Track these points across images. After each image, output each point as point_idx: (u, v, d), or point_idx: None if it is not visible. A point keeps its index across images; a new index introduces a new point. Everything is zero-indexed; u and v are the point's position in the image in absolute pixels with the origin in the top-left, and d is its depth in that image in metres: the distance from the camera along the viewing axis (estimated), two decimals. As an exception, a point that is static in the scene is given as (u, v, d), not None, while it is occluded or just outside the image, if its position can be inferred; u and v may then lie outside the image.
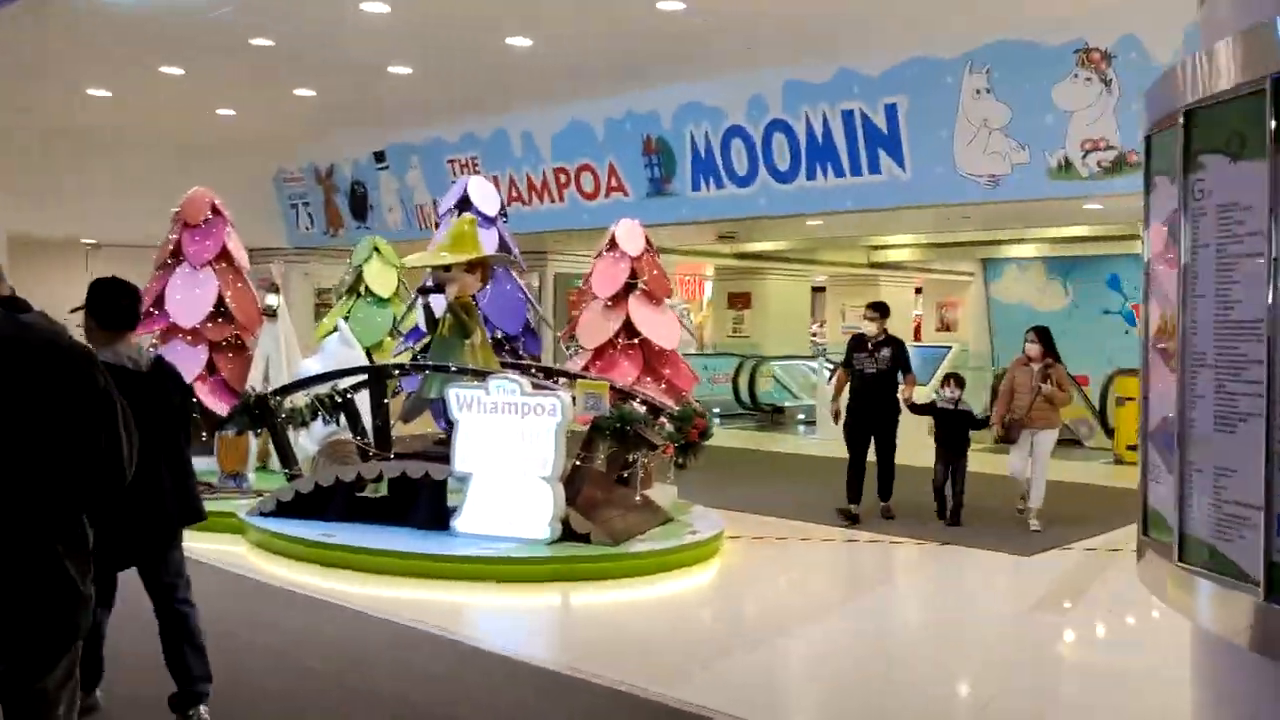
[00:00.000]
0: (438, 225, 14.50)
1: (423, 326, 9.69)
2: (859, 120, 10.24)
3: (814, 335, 24.91)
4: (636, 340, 9.05)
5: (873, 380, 8.94)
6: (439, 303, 8.59)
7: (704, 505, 9.03)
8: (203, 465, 9.07)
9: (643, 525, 8.02)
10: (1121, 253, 20.74)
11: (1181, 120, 2.46)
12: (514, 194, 13.60)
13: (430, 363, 8.25)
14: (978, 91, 9.46)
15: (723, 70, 11.00)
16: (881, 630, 6.68)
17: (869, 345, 8.97)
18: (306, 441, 9.49)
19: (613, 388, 8.21)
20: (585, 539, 7.52)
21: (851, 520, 8.90)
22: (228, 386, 10.76)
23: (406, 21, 9.22)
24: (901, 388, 8.97)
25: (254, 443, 9.49)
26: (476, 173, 13.82)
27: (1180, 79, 2.49)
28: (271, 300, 10.69)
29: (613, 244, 9.21)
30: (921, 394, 9.94)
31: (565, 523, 7.52)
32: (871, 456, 9.07)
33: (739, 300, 22.04)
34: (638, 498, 8.33)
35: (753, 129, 11.06)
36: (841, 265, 22.46)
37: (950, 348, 16.56)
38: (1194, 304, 2.47)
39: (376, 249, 11.34)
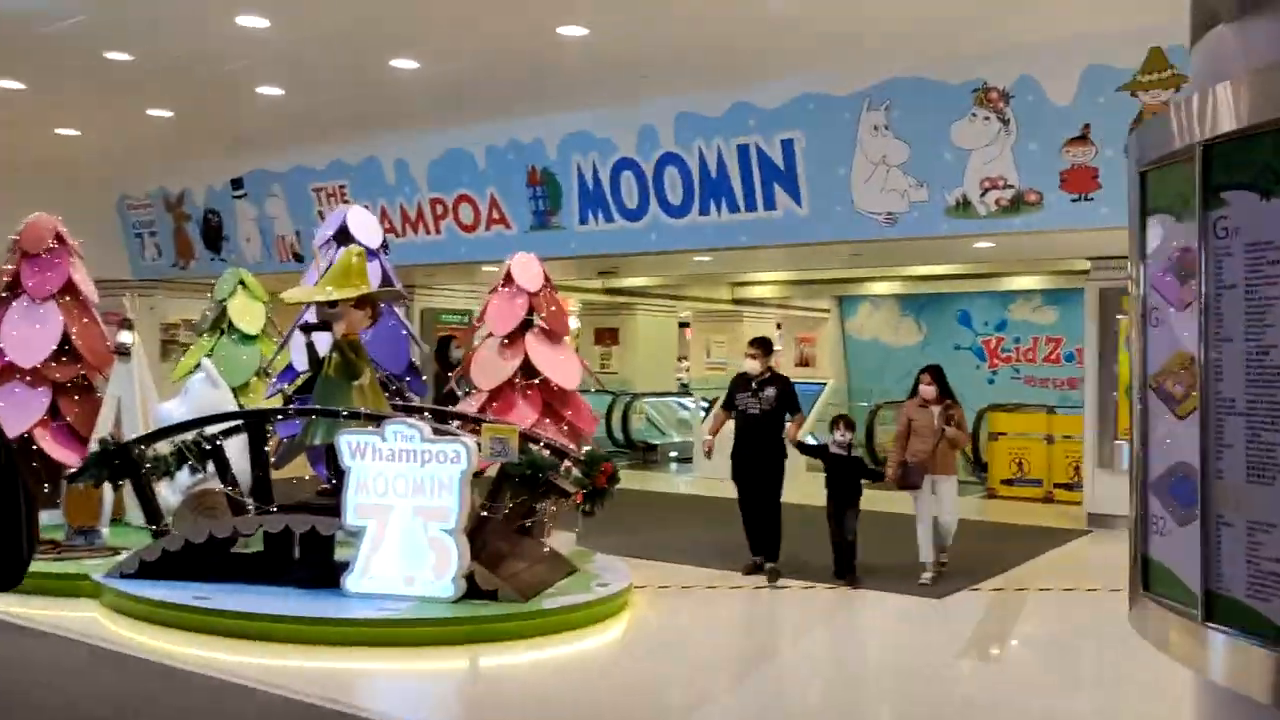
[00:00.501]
0: (300, 258, 13.85)
1: (299, 366, 8.99)
2: (755, 155, 10.07)
3: (678, 372, 24.80)
4: (536, 380, 8.58)
5: (756, 422, 8.39)
6: (323, 341, 7.94)
7: (601, 552, 8.60)
8: (48, 520, 8.16)
9: (550, 578, 7.54)
10: (972, 290, 21.42)
11: (1199, 154, 2.27)
12: (386, 225, 12.89)
13: (316, 406, 7.58)
14: (876, 128, 9.40)
15: (612, 100, 10.68)
16: (807, 685, 6.38)
17: (752, 384, 8.42)
18: (168, 493, 8.66)
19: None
20: (492, 596, 6.99)
21: (758, 569, 8.38)
22: (74, 433, 9.78)
23: (286, 38, 8.57)
24: (788, 427, 8.46)
25: (109, 496, 8.59)
26: (346, 202, 13.12)
27: (1192, 113, 2.30)
28: (125, 338, 9.81)
29: (508, 279, 8.73)
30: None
31: (470, 579, 6.98)
32: None
33: (607, 336, 21.73)
34: (546, 548, 7.85)
35: (643, 162, 10.76)
36: (706, 301, 22.46)
37: (824, 384, 16.62)
38: (1219, 348, 2.30)
39: (242, 282, 10.54)
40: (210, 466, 8.10)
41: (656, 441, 19.35)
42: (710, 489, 13.41)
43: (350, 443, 7.10)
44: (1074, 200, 8.69)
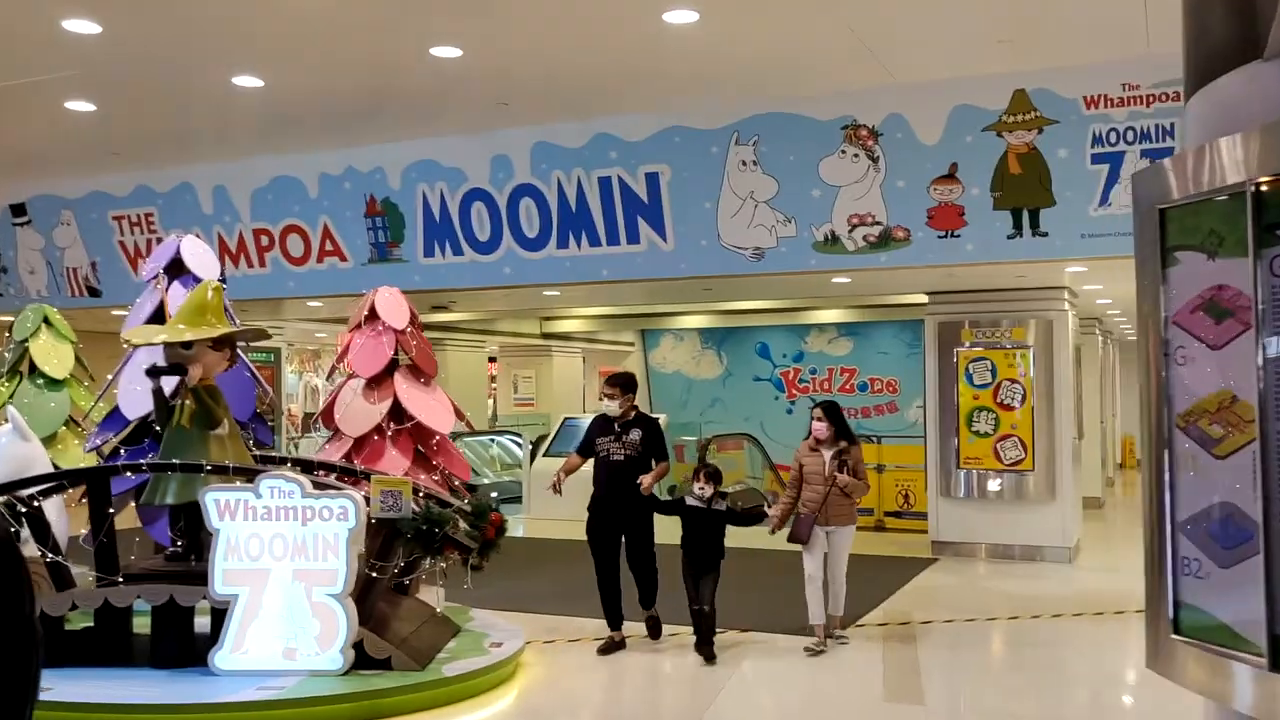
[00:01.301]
0: (95, 292, 12.52)
1: (130, 414, 8.02)
2: (617, 187, 9.79)
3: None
4: (405, 425, 7.94)
5: (619, 469, 7.40)
6: (165, 386, 7.08)
7: (472, 606, 8.04)
8: None
9: (441, 640, 6.96)
10: (770, 324, 21.95)
11: (1251, 194, 2.25)
12: (200, 257, 11.85)
13: (169, 460, 6.70)
14: (744, 163, 9.32)
15: (463, 129, 10.19)
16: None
17: (615, 427, 7.50)
18: None
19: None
20: (385, 664, 6.35)
21: (617, 647, 7.48)
22: None
23: (117, 48, 7.66)
24: (644, 477, 7.35)
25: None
26: (152, 231, 12.00)
27: (1237, 152, 2.28)
28: None
29: (372, 315, 8.07)
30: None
31: (359, 647, 6.32)
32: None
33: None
34: (431, 609, 7.23)
35: (496, 193, 10.29)
36: (515, 336, 22.06)
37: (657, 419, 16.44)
38: (1280, 385, 2.33)
39: (46, 320, 9.36)
40: (25, 531, 7.07)
41: (474, 483, 18.69)
42: (546, 530, 12.99)
43: (218, 500, 6.31)
44: (940, 237, 8.86)
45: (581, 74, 8.60)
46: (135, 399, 8.14)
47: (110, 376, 8.50)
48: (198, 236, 11.88)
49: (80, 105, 9.29)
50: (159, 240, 11.93)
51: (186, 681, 6.21)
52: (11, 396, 9.08)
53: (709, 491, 7.31)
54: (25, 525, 6.85)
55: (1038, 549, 11.14)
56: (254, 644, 6.29)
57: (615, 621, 7.55)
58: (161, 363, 7.00)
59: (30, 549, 7.25)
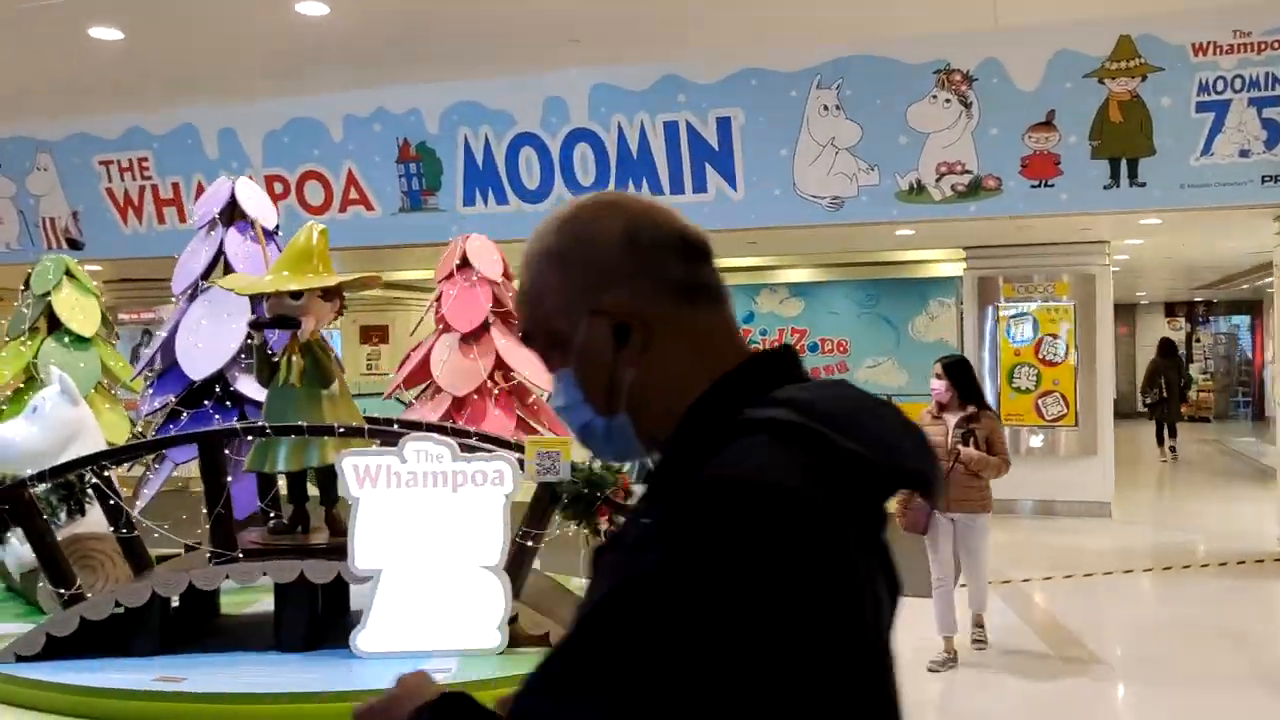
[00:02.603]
0: (77, 244, 11.43)
1: (196, 373, 7.29)
2: (684, 133, 9.30)
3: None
4: (510, 383, 7.38)
5: None
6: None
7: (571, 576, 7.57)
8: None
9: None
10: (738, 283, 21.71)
11: None
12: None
13: (278, 422, 6.03)
14: (826, 108, 8.92)
15: (511, 68, 9.54)
16: None
17: None
18: (18, 547, 6.72)
19: (504, 443, 6.56)
20: (543, 641, 5.86)
21: None
22: None
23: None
24: None
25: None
26: (146, 178, 11.04)
27: None
28: None
29: (463, 264, 7.46)
30: None
31: (512, 623, 5.81)
32: None
33: (374, 334, 19.99)
34: (550, 580, 6.74)
35: (549, 138, 9.68)
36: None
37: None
38: None
39: (68, 272, 8.46)
40: (96, 509, 6.35)
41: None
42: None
43: (358, 466, 5.69)
44: (1033, 186, 8.63)
45: (651, 10, 8.07)
46: (197, 357, 7.41)
47: (161, 333, 7.72)
48: (177, 185, 11.12)
49: (106, 33, 8.37)
50: (153, 187, 11.03)
51: (330, 666, 5.62)
52: (36, 356, 8.19)
53: None
54: (93, 500, 6.14)
55: (1079, 504, 11.12)
56: (400, 623, 5.74)
57: None
58: (263, 315, 6.30)
59: (90, 525, 6.58)
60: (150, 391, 7.61)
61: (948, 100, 8.65)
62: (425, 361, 7.46)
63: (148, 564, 6.35)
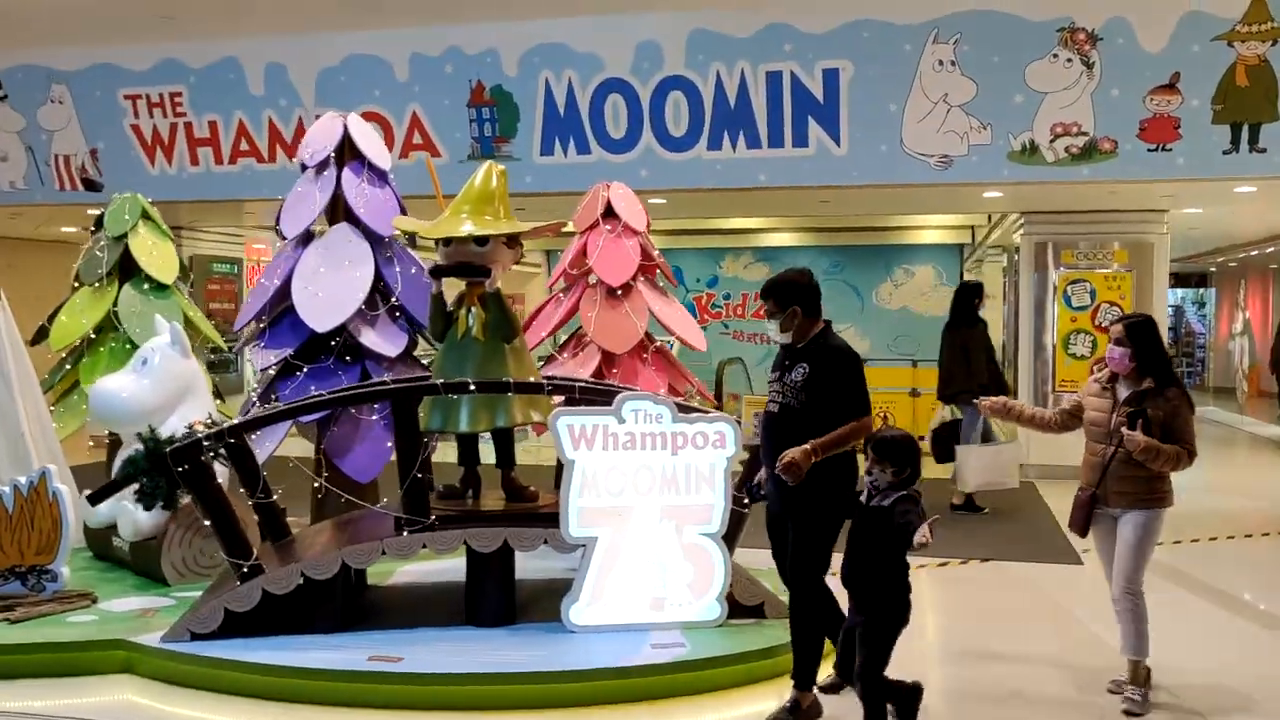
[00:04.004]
0: (94, 185, 10.51)
1: (321, 324, 6.72)
2: (788, 83, 8.94)
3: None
4: (662, 341, 6.98)
5: (776, 425, 4.62)
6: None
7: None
8: None
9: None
10: (685, 247, 21.33)
11: None
12: (242, 146, 10.21)
13: (455, 378, 5.53)
14: (941, 63, 8.66)
15: (601, 9, 9.05)
16: None
17: (784, 360, 4.68)
18: (136, 513, 6.14)
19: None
20: (757, 613, 5.54)
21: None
22: None
23: None
24: (790, 450, 4.42)
25: (71, 516, 5.86)
26: (179, 114, 10.24)
27: None
28: None
29: (609, 213, 7.00)
30: None
31: (730, 596, 5.48)
32: None
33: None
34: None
35: (639, 84, 9.22)
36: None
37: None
38: None
39: (144, 214, 7.73)
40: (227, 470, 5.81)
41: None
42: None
43: (573, 427, 5.26)
44: (1150, 150, 8.53)
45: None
46: (319, 307, 6.84)
47: (268, 282, 7.10)
48: (215, 124, 10.31)
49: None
50: (186, 125, 10.24)
51: (547, 643, 5.19)
52: (115, 304, 7.47)
53: (879, 480, 4.35)
54: (227, 462, 5.58)
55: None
56: (615, 594, 5.35)
57: (803, 678, 4.62)
58: (441, 261, 5.78)
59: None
60: (261, 345, 6.98)
61: (1069, 60, 8.48)
62: (569, 315, 6.98)
63: (285, 533, 5.83)
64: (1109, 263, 11.21)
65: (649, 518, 5.36)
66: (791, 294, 4.60)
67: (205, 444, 5.20)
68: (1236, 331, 20.69)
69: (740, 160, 9.21)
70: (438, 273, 5.75)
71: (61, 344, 7.40)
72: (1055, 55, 8.49)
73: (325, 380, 6.82)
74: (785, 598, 4.88)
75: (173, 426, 6.41)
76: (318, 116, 9.70)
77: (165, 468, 5.12)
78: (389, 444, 7.00)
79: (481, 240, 5.68)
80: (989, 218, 14.56)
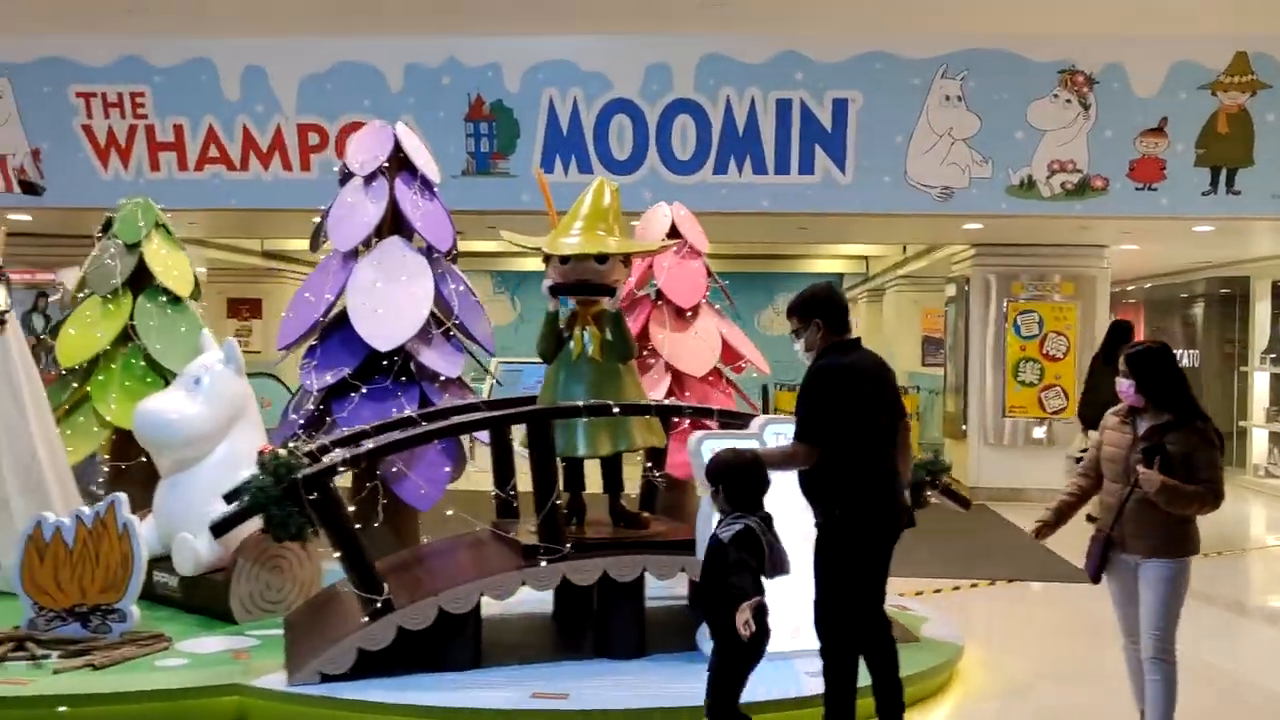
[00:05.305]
0: (34, 189, 9.61)
1: (378, 345, 6.38)
2: (797, 111, 9.05)
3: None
4: (732, 364, 6.91)
5: None
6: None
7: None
8: None
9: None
10: None
11: None
12: (210, 153, 9.59)
13: (574, 401, 5.34)
14: (947, 98, 8.95)
15: (613, 28, 8.97)
16: None
17: None
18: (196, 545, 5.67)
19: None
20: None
21: None
22: None
23: None
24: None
25: (142, 552, 5.34)
26: (140, 116, 9.56)
27: None
28: None
29: (673, 233, 6.90)
30: None
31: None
32: None
33: (244, 309, 18.24)
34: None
35: (647, 106, 9.16)
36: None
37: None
38: None
39: (159, 223, 7.16)
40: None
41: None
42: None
43: (715, 451, 5.13)
44: (1138, 189, 9.03)
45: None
46: (380, 324, 6.48)
47: (313, 296, 6.68)
48: (180, 127, 9.66)
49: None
50: (148, 128, 9.58)
51: (692, 673, 5.02)
52: (132, 317, 6.87)
53: (719, 506, 4.26)
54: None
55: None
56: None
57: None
58: (553, 280, 5.56)
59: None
60: (313, 363, 6.55)
61: (1068, 100, 8.90)
62: (641, 336, 6.83)
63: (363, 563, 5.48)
64: (1055, 294, 11.78)
65: (788, 543, 5.29)
66: (812, 308, 4.40)
67: (340, 469, 4.83)
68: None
69: (745, 185, 9.26)
70: (557, 291, 5.54)
71: (74, 360, 6.75)
72: (1056, 95, 8.90)
73: (384, 401, 6.47)
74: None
75: (222, 454, 5.96)
76: (300, 124, 9.35)
77: (297, 495, 4.71)
78: (446, 469, 6.72)
79: (602, 258, 5.50)
80: (904, 248, 15.09)
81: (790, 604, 5.27)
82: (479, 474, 7.23)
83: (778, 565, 4.11)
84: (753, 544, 4.04)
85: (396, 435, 5.49)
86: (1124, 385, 4.43)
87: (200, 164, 9.62)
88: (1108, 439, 4.50)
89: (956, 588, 7.56)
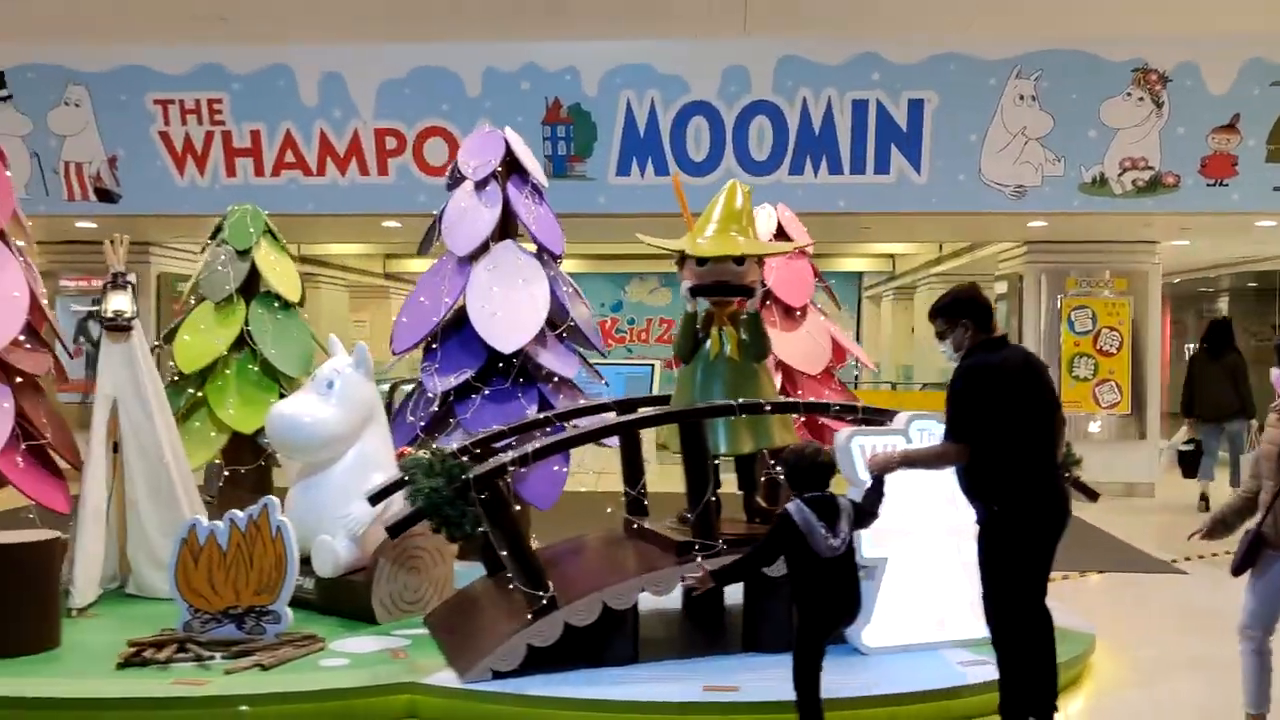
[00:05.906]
0: (111, 196, 9.62)
1: (500, 347, 6.46)
2: (873, 112, 9.17)
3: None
4: (834, 364, 7.03)
5: None
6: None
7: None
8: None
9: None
10: (589, 271, 21.13)
11: None
12: (286, 158, 9.66)
13: (715, 402, 5.44)
14: (1021, 98, 9.07)
15: (690, 32, 9.07)
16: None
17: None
18: (336, 544, 5.74)
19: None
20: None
21: None
22: (44, 458, 6.08)
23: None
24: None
25: (295, 552, 5.42)
26: (218, 123, 9.62)
27: None
28: (120, 303, 6.35)
29: (780, 234, 7.01)
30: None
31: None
32: None
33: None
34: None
35: (724, 108, 9.26)
36: (360, 274, 20.04)
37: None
38: None
39: (267, 229, 7.23)
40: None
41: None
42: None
43: (864, 447, 5.25)
44: (1209, 185, 9.17)
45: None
46: (500, 326, 6.58)
47: (430, 300, 6.76)
48: (257, 133, 9.71)
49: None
50: (225, 133, 9.65)
51: (851, 666, 5.12)
52: (247, 322, 6.94)
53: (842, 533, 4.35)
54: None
55: (1130, 485, 11.87)
56: (903, 615, 5.36)
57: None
58: (692, 282, 5.66)
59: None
60: (435, 366, 6.64)
61: (1141, 98, 9.04)
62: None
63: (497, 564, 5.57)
64: (1107, 290, 11.91)
65: (934, 536, 5.41)
66: (959, 309, 4.43)
67: (510, 468, 4.92)
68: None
69: (822, 185, 9.37)
70: (696, 292, 5.63)
71: (194, 366, 6.81)
72: (1129, 94, 9.03)
73: (505, 403, 6.58)
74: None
75: (353, 457, 6.05)
76: (378, 129, 9.43)
77: (468, 495, 4.80)
78: (564, 470, 6.81)
79: (740, 260, 5.60)
80: (939, 246, 15.21)
81: (936, 596, 5.42)
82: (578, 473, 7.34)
83: (818, 549, 4.21)
84: (782, 529, 4.25)
85: (539, 436, 5.60)
86: (1275, 374, 4.43)
87: (277, 169, 9.69)
88: (1268, 436, 4.33)
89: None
